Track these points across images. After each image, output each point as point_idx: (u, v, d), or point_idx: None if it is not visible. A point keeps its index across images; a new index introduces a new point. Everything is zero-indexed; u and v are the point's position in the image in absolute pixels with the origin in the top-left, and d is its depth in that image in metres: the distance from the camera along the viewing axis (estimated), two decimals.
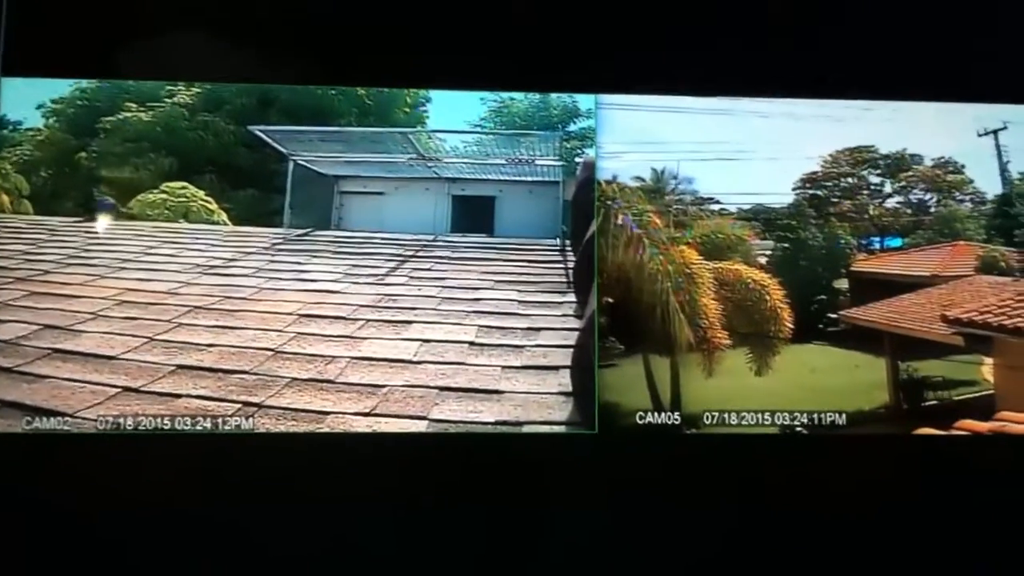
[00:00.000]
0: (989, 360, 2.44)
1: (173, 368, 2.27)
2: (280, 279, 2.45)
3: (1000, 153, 2.55)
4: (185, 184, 2.42)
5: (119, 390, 2.22)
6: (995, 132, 2.55)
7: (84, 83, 2.40)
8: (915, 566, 2.29)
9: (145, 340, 2.32)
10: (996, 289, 2.49)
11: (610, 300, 2.38)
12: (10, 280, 2.29)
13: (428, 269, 2.49)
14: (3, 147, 2.31)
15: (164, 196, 2.41)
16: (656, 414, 2.33)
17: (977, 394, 2.43)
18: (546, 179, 2.50)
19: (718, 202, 2.50)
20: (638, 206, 2.44)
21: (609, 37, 2.44)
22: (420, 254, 2.50)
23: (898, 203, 2.58)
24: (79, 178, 2.39)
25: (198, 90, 2.45)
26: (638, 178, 2.47)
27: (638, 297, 2.41)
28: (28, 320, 2.29)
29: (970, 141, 2.56)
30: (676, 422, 2.34)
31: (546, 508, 2.27)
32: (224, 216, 2.43)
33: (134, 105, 2.44)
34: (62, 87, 2.39)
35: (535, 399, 2.28)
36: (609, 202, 2.42)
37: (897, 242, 2.55)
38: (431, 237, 2.52)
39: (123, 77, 2.42)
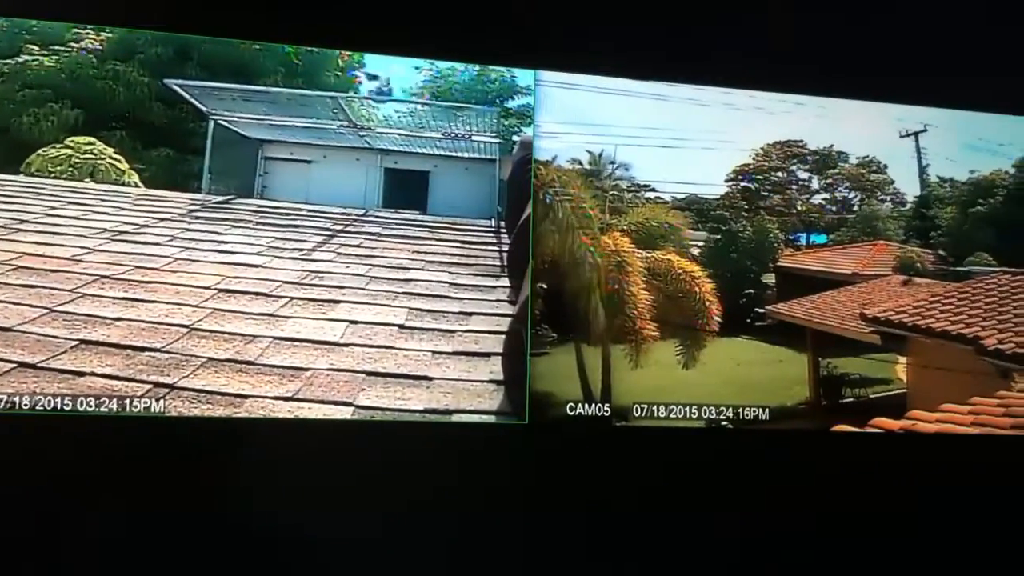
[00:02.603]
0: (903, 359, 2.50)
1: (76, 343, 2.08)
2: (197, 249, 2.26)
3: (920, 155, 2.60)
4: (92, 139, 2.20)
5: (14, 365, 2.02)
6: (916, 134, 2.60)
7: None
8: (832, 557, 2.35)
9: (44, 311, 2.11)
10: (912, 289, 2.55)
11: (544, 286, 2.32)
12: None
13: (357, 246, 2.36)
14: None
15: (68, 152, 2.19)
16: (587, 405, 2.30)
17: (891, 392, 2.49)
18: (483, 156, 2.39)
19: (654, 190, 2.46)
20: (573, 190, 2.37)
21: (553, 11, 2.35)
22: (349, 229, 2.37)
23: (824, 200, 2.60)
24: None
25: (109, 35, 2.23)
26: (575, 160, 2.40)
27: (569, 284, 2.36)
28: None
29: (892, 142, 2.60)
30: (606, 414, 2.31)
31: (475, 499, 2.20)
32: (135, 177, 2.23)
33: (36, 48, 2.20)
34: None
35: (465, 386, 2.20)
36: (546, 185, 2.34)
37: (822, 239, 2.58)
38: (361, 212, 2.38)
39: (24, 15, 2.18)
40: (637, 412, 2.33)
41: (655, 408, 2.33)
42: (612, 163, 2.43)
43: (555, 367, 2.30)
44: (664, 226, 2.46)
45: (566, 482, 2.26)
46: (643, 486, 2.29)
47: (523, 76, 2.38)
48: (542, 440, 2.25)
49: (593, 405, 2.30)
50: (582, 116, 2.40)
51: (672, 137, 2.43)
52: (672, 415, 2.34)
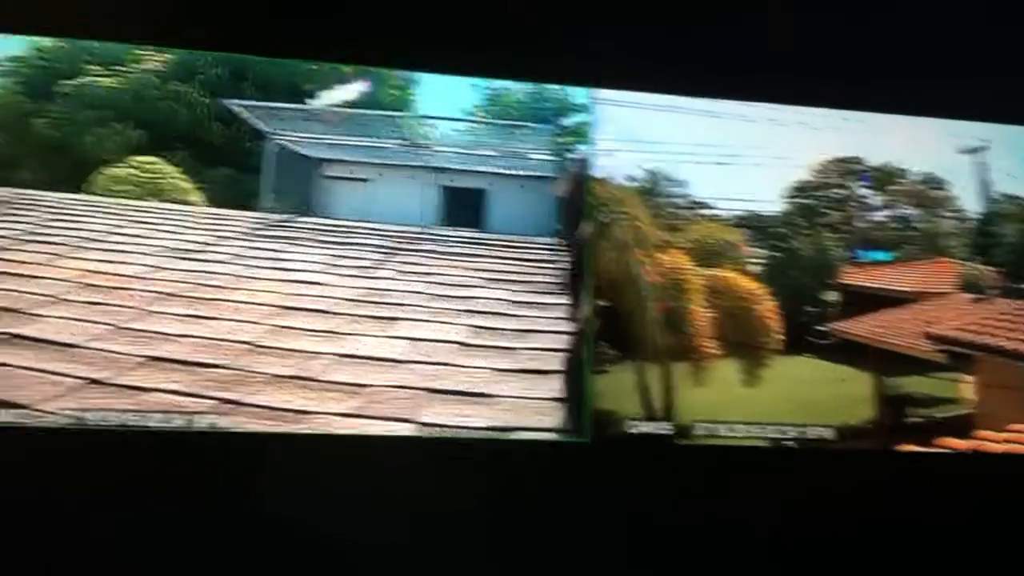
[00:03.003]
0: (969, 378, 2.46)
1: (142, 359, 2.08)
2: (258, 267, 2.27)
3: (980, 172, 2.57)
4: (155, 159, 2.22)
5: (82, 382, 2.03)
6: (976, 150, 2.57)
7: (43, 41, 2.19)
8: None
9: (111, 328, 2.12)
10: (977, 307, 2.51)
11: (603, 304, 2.30)
12: None
13: (416, 263, 2.36)
14: None
15: (131, 171, 2.21)
16: (648, 424, 2.28)
17: (957, 412, 2.45)
18: (538, 174, 2.39)
19: (710, 207, 2.45)
20: (629, 208, 2.37)
21: (607, 30, 2.35)
22: (408, 247, 2.37)
23: (885, 216, 2.57)
24: (35, 144, 2.17)
25: (169, 56, 2.26)
26: (631, 178, 2.39)
27: (627, 302, 2.34)
28: None
29: (951, 157, 2.57)
30: (668, 432, 2.28)
31: (536, 517, 2.18)
32: (197, 196, 2.25)
33: (98, 68, 2.22)
34: (16, 44, 2.17)
35: (526, 404, 2.18)
36: (602, 203, 2.34)
37: (883, 256, 2.54)
38: (419, 229, 2.39)
39: (86, 37, 2.21)
40: (699, 430, 2.30)
41: (717, 426, 2.31)
42: (668, 180, 2.42)
43: (615, 385, 2.28)
44: (722, 243, 2.44)
45: (628, 500, 2.23)
46: (706, 505, 2.25)
47: (578, 94, 2.39)
48: (603, 458, 2.23)
49: (654, 423, 2.28)
50: (638, 133, 2.39)
51: (727, 154, 2.42)
52: (735, 434, 2.32)
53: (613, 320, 2.31)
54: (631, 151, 2.38)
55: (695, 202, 2.43)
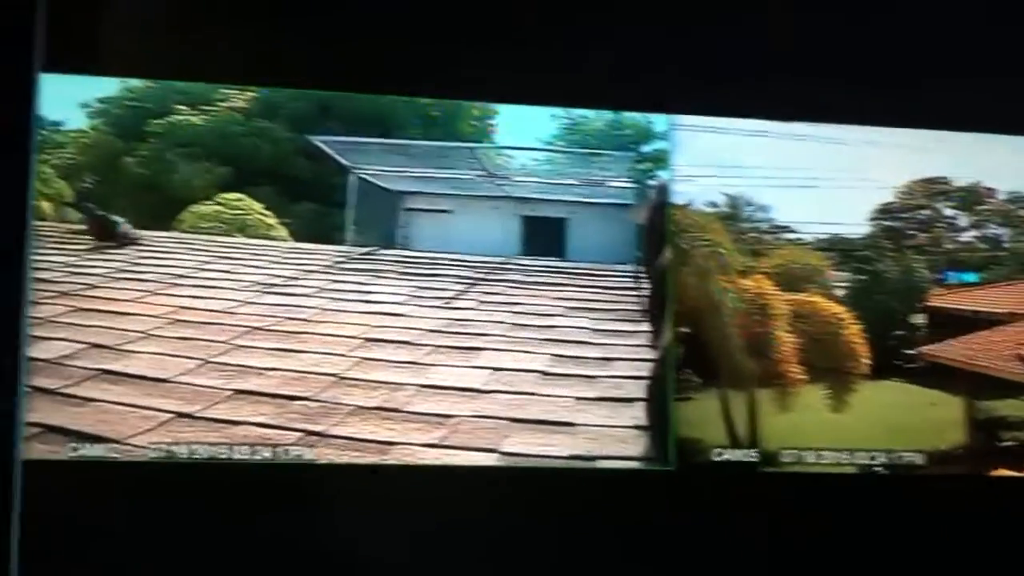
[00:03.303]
0: None
1: (231, 393, 2.12)
2: (343, 300, 2.30)
3: None
4: (241, 196, 2.27)
5: (172, 415, 2.07)
6: None
7: (132, 82, 2.25)
8: None
9: (200, 362, 2.16)
10: None
11: (685, 330, 2.29)
12: (53, 295, 2.13)
13: (498, 293, 2.37)
14: (44, 149, 2.14)
15: (219, 208, 2.26)
16: (734, 451, 2.25)
17: None
18: (618, 201, 2.38)
19: (793, 231, 2.42)
20: (711, 234, 2.35)
21: (685, 57, 2.34)
22: (490, 277, 2.38)
23: (973, 237, 2.52)
24: (126, 184, 2.23)
25: (253, 94, 2.30)
26: (712, 203, 2.38)
27: (710, 328, 2.32)
28: (73, 338, 2.10)
29: None
30: (754, 459, 2.26)
31: (622, 547, 2.17)
32: (283, 231, 2.29)
33: (185, 108, 2.28)
34: (107, 85, 2.23)
35: (609, 432, 2.18)
36: (683, 229, 2.33)
37: (972, 277, 2.49)
38: (501, 259, 2.40)
39: (174, 77, 2.27)
40: (786, 457, 2.27)
41: (805, 453, 2.28)
42: (750, 205, 2.40)
43: (700, 412, 2.26)
44: (806, 268, 2.41)
45: (714, 529, 2.21)
46: (794, 533, 2.22)
47: (658, 121, 2.38)
48: (688, 486, 2.21)
49: (740, 451, 2.26)
50: (718, 158, 2.38)
51: (810, 177, 2.39)
52: (823, 460, 2.28)
53: (696, 347, 2.30)
54: (712, 176, 2.37)
55: (778, 226, 2.41)
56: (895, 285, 2.45)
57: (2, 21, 2.03)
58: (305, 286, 2.31)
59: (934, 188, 2.49)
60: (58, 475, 1.99)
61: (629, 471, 2.18)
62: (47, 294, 2.12)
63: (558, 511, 2.15)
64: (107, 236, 2.23)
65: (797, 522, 2.23)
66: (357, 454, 2.07)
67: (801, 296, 2.39)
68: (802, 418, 2.32)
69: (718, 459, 2.25)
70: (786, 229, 2.42)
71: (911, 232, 2.48)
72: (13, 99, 2.04)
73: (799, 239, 2.42)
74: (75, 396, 2.06)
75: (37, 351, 2.06)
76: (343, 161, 2.32)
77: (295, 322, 2.26)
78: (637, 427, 2.21)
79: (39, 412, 2.02)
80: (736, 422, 2.28)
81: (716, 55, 2.36)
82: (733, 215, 2.39)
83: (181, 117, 2.28)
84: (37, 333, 2.07)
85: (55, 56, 2.08)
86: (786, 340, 2.35)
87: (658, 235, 2.33)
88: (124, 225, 2.24)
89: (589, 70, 2.33)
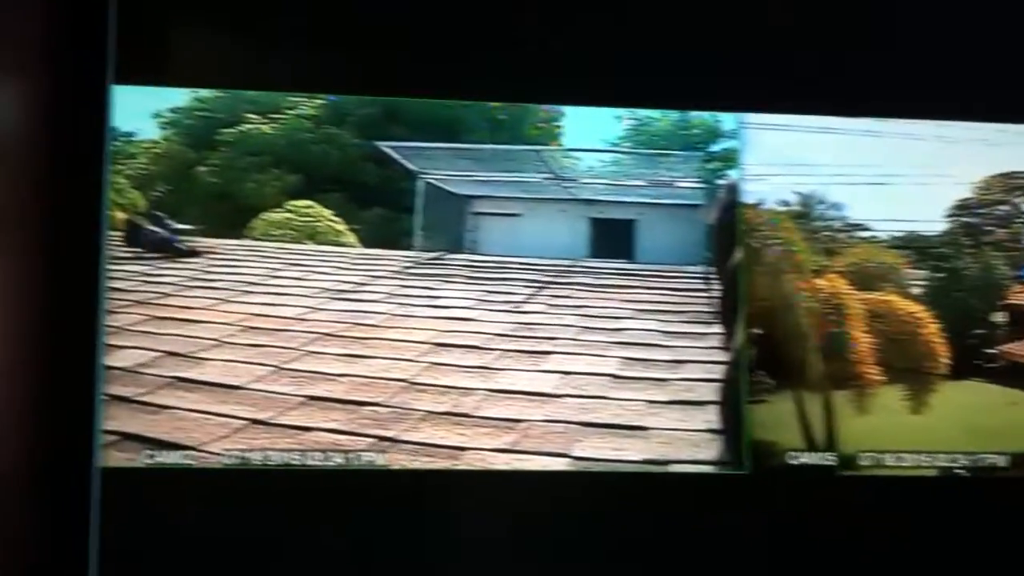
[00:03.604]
0: None
1: (302, 399, 2.14)
2: (412, 305, 2.30)
3: None
4: (311, 203, 2.28)
5: (246, 422, 2.09)
6: None
7: (202, 92, 2.27)
8: None
9: (272, 369, 2.17)
10: None
11: (758, 331, 2.25)
12: (127, 303, 2.16)
13: (567, 296, 2.35)
14: (117, 160, 2.17)
15: (289, 215, 2.27)
16: (809, 454, 2.21)
17: None
18: (687, 202, 2.35)
19: (868, 228, 2.37)
20: (783, 233, 2.31)
21: (753, 54, 2.31)
22: (558, 280, 2.37)
23: None
24: (198, 193, 2.26)
25: (321, 101, 2.32)
26: (783, 202, 2.34)
27: (783, 329, 2.28)
28: (147, 346, 2.14)
29: None
30: (831, 463, 2.21)
31: (696, 552, 2.14)
32: (352, 238, 2.29)
33: (256, 116, 2.30)
34: (178, 96, 2.26)
35: (681, 436, 2.15)
36: (754, 229, 2.29)
37: None
38: (569, 262, 2.38)
39: (243, 87, 2.29)
40: (864, 460, 2.23)
41: (883, 456, 2.23)
42: (822, 203, 2.35)
43: (774, 415, 2.22)
44: (882, 266, 2.36)
45: (790, 533, 2.18)
46: (873, 538, 2.18)
47: (727, 120, 2.35)
48: (764, 490, 2.17)
49: (817, 454, 2.22)
50: (789, 156, 2.33)
51: (884, 173, 2.34)
52: (903, 463, 2.23)
53: (770, 348, 2.26)
54: (782, 175, 2.33)
55: (851, 224, 2.36)
56: (974, 283, 2.38)
57: (75, 35, 2.08)
58: (374, 292, 2.32)
59: (1012, 183, 2.42)
60: (135, 482, 2.03)
61: (703, 475, 2.15)
62: (121, 303, 2.15)
63: (631, 516, 2.14)
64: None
65: (876, 526, 2.19)
66: (428, 459, 2.08)
67: (877, 295, 2.34)
68: (880, 420, 2.26)
69: (794, 462, 2.21)
70: (860, 227, 2.36)
71: (989, 228, 2.41)
72: (86, 111, 2.09)
73: (873, 237, 2.37)
74: (150, 404, 2.09)
75: (113, 360, 2.09)
76: (410, 166, 2.33)
77: (364, 328, 2.27)
78: (710, 430, 2.18)
79: (116, 420, 2.06)
80: (812, 425, 2.23)
81: (785, 52, 2.32)
82: (805, 213, 2.35)
83: (251, 126, 2.30)
84: (112, 342, 2.10)
85: (127, 68, 2.13)
86: (862, 340, 2.30)
87: (729, 235, 2.30)
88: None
89: (655, 71, 2.30)
